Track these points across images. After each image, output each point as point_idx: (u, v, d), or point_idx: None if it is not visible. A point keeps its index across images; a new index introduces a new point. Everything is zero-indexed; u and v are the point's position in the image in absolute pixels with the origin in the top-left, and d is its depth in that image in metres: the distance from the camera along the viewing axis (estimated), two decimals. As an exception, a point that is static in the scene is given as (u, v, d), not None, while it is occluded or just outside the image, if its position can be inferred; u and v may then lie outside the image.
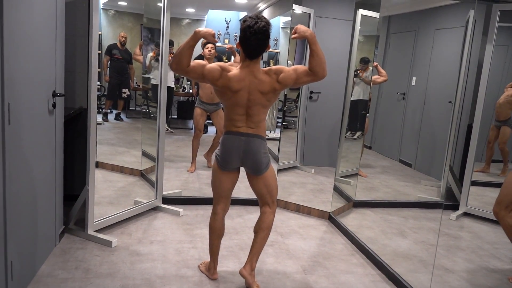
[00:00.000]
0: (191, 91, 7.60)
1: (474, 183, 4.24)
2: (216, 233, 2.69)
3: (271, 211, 2.66)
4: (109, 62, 5.54)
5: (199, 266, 2.87)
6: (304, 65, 2.46)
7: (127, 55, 5.68)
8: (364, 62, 4.25)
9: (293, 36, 2.43)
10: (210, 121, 6.14)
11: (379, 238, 3.61)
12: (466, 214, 4.21)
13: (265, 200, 2.65)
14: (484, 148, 4.40)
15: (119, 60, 5.59)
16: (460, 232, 3.93)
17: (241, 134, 2.50)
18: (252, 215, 3.86)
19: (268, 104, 2.49)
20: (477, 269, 3.19)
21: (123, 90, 5.84)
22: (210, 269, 2.75)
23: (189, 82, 7.80)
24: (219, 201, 2.67)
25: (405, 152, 5.07)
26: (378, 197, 4.64)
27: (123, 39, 5.61)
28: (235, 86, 2.41)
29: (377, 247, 3.28)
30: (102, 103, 5.87)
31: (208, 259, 2.81)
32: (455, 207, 4.25)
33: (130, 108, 6.58)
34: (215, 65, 2.44)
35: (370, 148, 5.34)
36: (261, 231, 2.64)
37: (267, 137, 2.67)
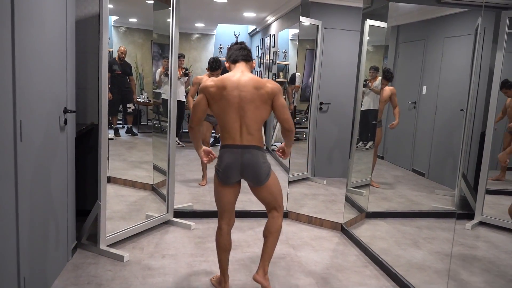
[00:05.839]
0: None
1: (489, 192, 4.16)
2: (222, 248, 2.67)
3: (279, 215, 2.70)
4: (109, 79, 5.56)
5: (211, 280, 2.86)
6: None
7: (126, 68, 5.71)
8: (374, 69, 4.26)
9: (283, 158, 2.71)
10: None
11: (392, 249, 3.56)
12: (481, 223, 4.13)
13: (271, 206, 2.69)
14: (499, 156, 4.33)
15: (119, 75, 5.62)
16: (476, 241, 3.85)
17: (237, 146, 2.51)
18: (263, 227, 3.83)
19: (260, 105, 2.48)
20: (494, 280, 3.12)
21: (128, 105, 5.85)
22: (221, 283, 2.73)
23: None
24: (222, 216, 2.67)
25: (418, 161, 5.01)
26: (391, 207, 4.58)
27: (123, 55, 5.66)
28: (220, 86, 2.49)
29: (391, 258, 3.23)
30: (110, 119, 5.90)
31: (220, 273, 2.80)
32: (470, 217, 4.18)
33: (142, 123, 6.63)
34: (198, 98, 2.53)
35: (382, 158, 5.29)
36: (271, 235, 2.66)
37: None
